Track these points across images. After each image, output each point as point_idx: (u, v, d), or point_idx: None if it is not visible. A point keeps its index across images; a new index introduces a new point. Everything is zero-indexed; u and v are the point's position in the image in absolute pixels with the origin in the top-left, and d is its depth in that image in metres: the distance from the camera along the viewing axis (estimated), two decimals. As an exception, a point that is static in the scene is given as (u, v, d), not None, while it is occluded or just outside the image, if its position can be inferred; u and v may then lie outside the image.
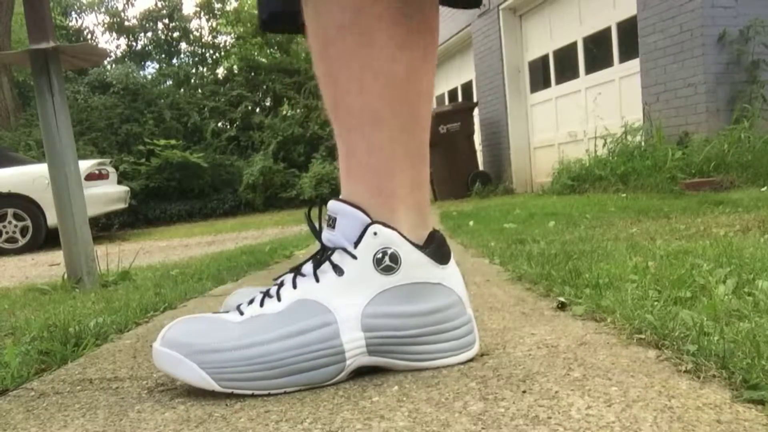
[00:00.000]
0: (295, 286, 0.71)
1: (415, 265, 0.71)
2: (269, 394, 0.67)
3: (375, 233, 0.69)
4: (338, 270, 0.70)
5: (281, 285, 0.73)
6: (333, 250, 0.71)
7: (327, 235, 0.73)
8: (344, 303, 0.69)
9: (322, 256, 0.72)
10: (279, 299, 0.71)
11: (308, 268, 0.72)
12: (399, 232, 0.70)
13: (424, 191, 0.76)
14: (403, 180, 0.72)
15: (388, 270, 0.70)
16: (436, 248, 0.73)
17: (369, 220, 0.70)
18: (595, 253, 1.50)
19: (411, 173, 0.73)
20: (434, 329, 0.71)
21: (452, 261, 0.75)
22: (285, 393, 0.67)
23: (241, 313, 0.72)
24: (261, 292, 0.74)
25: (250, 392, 0.67)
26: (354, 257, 0.70)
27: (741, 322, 0.74)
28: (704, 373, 0.62)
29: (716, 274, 1.05)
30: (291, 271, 0.74)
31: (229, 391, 0.67)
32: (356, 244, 0.70)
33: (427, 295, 0.71)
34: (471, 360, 0.74)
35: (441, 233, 0.76)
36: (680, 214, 2.58)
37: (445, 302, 0.72)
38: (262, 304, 0.72)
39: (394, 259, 0.69)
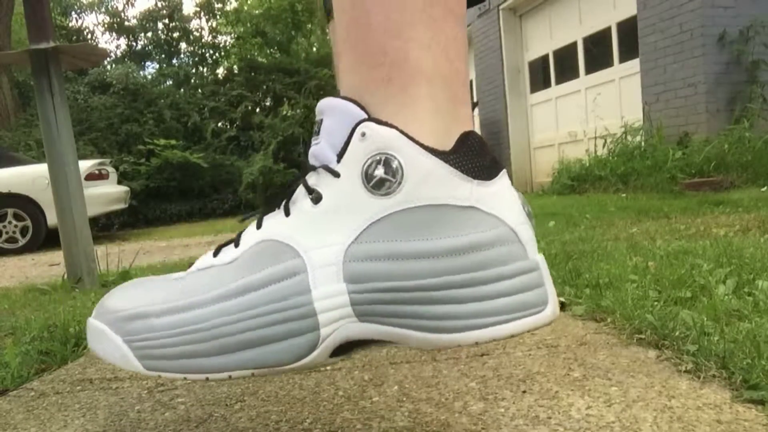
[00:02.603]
0: (259, 225, 0.50)
1: (430, 177, 0.45)
2: (208, 380, 0.48)
3: (363, 134, 0.45)
4: (315, 195, 0.47)
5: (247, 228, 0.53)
6: (311, 169, 0.49)
7: (312, 148, 0.50)
8: (320, 242, 0.46)
9: (297, 179, 0.50)
10: (237, 245, 0.51)
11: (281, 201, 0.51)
12: (400, 130, 0.45)
13: (455, 62, 0.47)
14: (420, 38, 0.46)
15: (383, 188, 0.45)
16: (468, 154, 0.46)
17: (361, 116, 0.46)
18: (595, 253, 1.50)
19: (434, 30, 0.46)
20: (462, 279, 0.45)
21: (502, 176, 0.47)
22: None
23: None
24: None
25: (181, 377, 0.48)
26: (336, 174, 0.46)
27: (741, 322, 0.74)
28: (704, 373, 0.62)
29: (716, 274, 1.05)
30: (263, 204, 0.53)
31: (156, 374, 0.49)
32: (340, 155, 0.47)
33: (454, 225, 0.45)
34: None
35: (480, 136, 0.48)
36: (680, 214, 2.58)
37: (481, 236, 0.45)
38: (216, 254, 0.52)
39: (392, 170, 0.45)
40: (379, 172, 0.45)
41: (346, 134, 0.47)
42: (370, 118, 0.46)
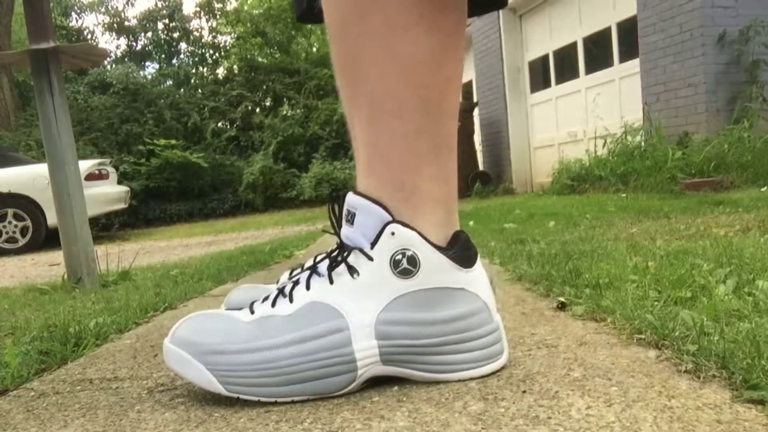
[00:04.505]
0: (308, 287, 0.67)
1: (436, 268, 0.65)
2: (276, 402, 0.64)
3: (393, 233, 0.64)
4: (353, 272, 0.66)
5: (296, 284, 0.69)
6: (350, 250, 0.67)
7: (345, 231, 0.68)
8: (358, 308, 0.65)
9: (339, 255, 0.67)
10: (291, 300, 0.67)
11: (323, 267, 0.68)
12: (419, 233, 0.65)
13: (451, 186, 0.70)
14: (428, 173, 0.67)
15: (405, 273, 0.65)
16: (460, 250, 0.67)
17: (388, 218, 0.65)
18: (595, 253, 1.50)
19: (437, 166, 0.68)
20: (455, 338, 0.66)
21: (478, 264, 0.69)
22: (293, 402, 0.65)
23: (252, 312, 0.68)
24: (277, 289, 0.70)
25: (256, 399, 0.64)
26: (370, 259, 0.65)
27: (741, 322, 0.74)
28: (704, 373, 0.62)
29: (716, 274, 1.05)
30: (308, 268, 0.70)
31: (235, 396, 0.64)
32: (373, 244, 0.65)
33: (448, 301, 0.66)
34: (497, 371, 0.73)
35: (466, 234, 0.70)
36: (680, 214, 2.58)
37: (468, 309, 0.67)
38: (273, 304, 0.68)
39: (413, 261, 0.64)
40: (404, 262, 0.65)
41: (377, 230, 0.65)
42: (395, 220, 0.65)
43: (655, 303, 0.88)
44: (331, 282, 0.66)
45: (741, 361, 0.61)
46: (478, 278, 0.68)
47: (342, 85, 0.69)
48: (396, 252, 0.64)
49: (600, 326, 0.85)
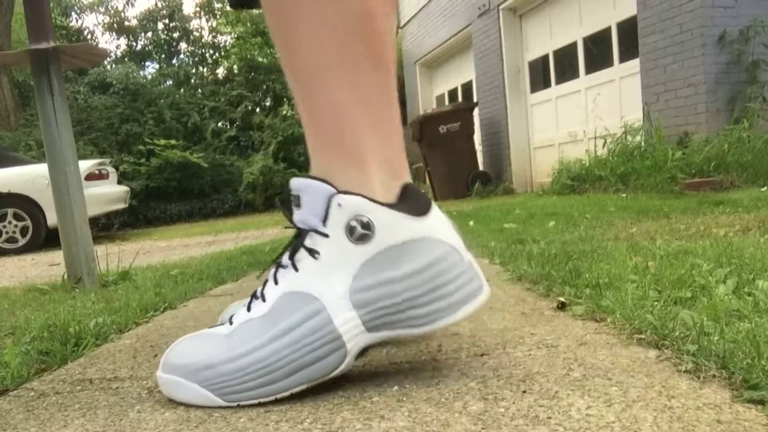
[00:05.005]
0: (276, 282, 0.68)
1: (392, 226, 0.65)
2: (276, 399, 0.64)
3: (339, 204, 0.64)
4: (314, 253, 0.66)
5: (265, 282, 0.70)
6: (305, 234, 0.67)
7: (297, 216, 0.68)
8: (329, 286, 0.65)
9: (296, 241, 0.68)
10: (264, 299, 0.68)
11: (286, 258, 0.68)
12: (364, 196, 0.64)
13: (396, 142, 0.70)
14: (368, 129, 0.67)
15: (363, 239, 0.64)
16: (410, 201, 0.67)
17: (332, 191, 0.65)
18: (595, 253, 1.50)
19: (377, 121, 0.67)
20: (429, 287, 0.65)
21: (433, 209, 0.68)
22: (291, 395, 0.65)
23: (231, 323, 0.69)
24: (251, 294, 0.71)
25: (256, 401, 0.64)
26: (326, 235, 0.65)
27: (741, 322, 0.74)
28: (704, 373, 0.62)
29: (716, 274, 1.05)
30: (273, 262, 0.71)
31: (235, 404, 0.64)
32: (325, 220, 0.65)
33: (413, 253, 0.65)
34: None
35: (414, 184, 0.70)
36: (680, 214, 2.58)
37: (434, 256, 0.66)
38: (249, 308, 0.68)
39: (367, 226, 0.64)
40: (358, 228, 0.64)
41: (324, 205, 0.65)
42: (339, 191, 0.64)
43: (655, 303, 0.88)
44: (296, 270, 0.66)
45: (741, 361, 0.61)
46: (436, 224, 0.67)
47: (283, 62, 0.69)
48: (348, 221, 0.64)
49: (600, 326, 0.85)
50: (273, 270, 0.69)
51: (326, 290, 0.65)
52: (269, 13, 0.68)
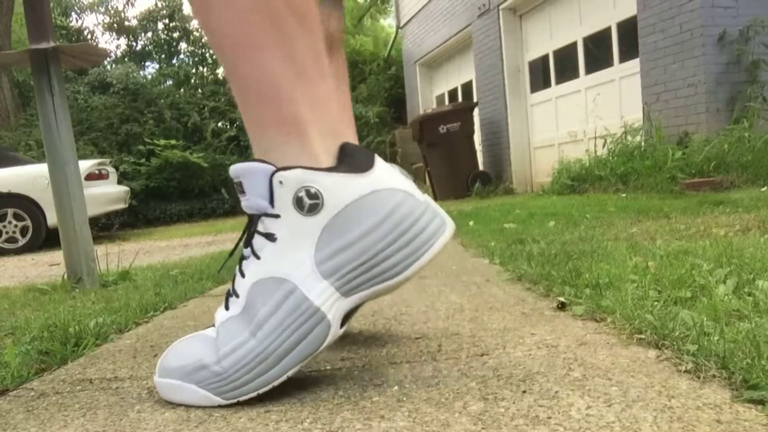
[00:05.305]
0: (243, 275, 0.68)
1: (337, 188, 0.64)
2: (273, 387, 0.65)
3: (281, 182, 0.64)
4: (270, 237, 0.65)
5: (233, 278, 0.70)
6: (256, 219, 0.66)
7: (244, 203, 0.67)
8: (294, 263, 0.65)
9: (251, 228, 0.68)
10: (237, 295, 0.68)
11: (247, 249, 0.68)
12: (303, 167, 0.64)
13: (332, 105, 0.69)
14: (301, 97, 0.65)
15: (314, 209, 0.64)
16: (350, 159, 0.66)
17: (271, 169, 0.64)
18: (595, 253, 1.50)
19: (309, 88, 0.66)
20: (391, 238, 0.65)
21: (377, 161, 0.67)
22: (291, 395, 0.65)
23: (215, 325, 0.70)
24: (226, 294, 0.71)
25: (255, 394, 0.65)
26: (276, 216, 0.65)
27: (741, 322, 0.74)
28: (704, 373, 0.62)
29: (716, 274, 1.05)
30: (230, 255, 0.71)
31: (234, 401, 0.65)
32: (271, 201, 0.65)
33: (365, 210, 0.65)
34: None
35: (351, 143, 0.69)
36: (680, 214, 2.58)
37: (388, 207, 0.65)
38: (227, 307, 0.69)
39: (314, 195, 0.64)
40: (305, 199, 0.64)
41: (267, 186, 0.64)
42: (278, 169, 0.64)
43: (655, 303, 0.88)
44: (258, 257, 0.66)
45: (741, 361, 0.61)
46: (383, 174, 0.67)
47: (210, 42, 0.68)
48: (294, 195, 0.64)
49: (600, 326, 0.85)
50: (238, 265, 0.69)
51: (293, 268, 0.64)
52: None
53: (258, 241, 0.66)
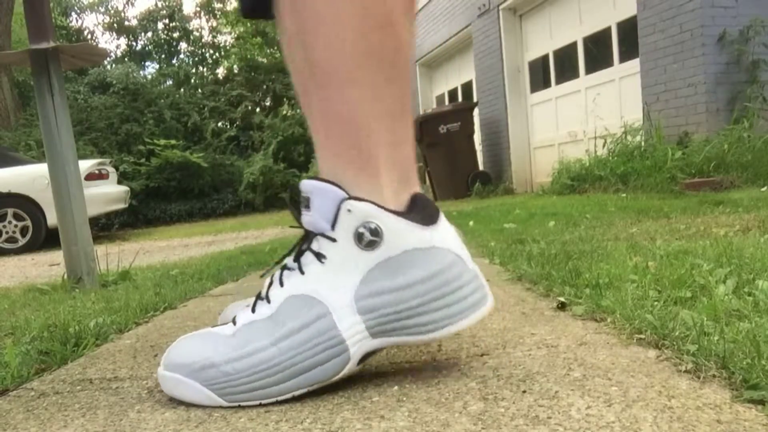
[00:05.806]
0: (282, 284, 0.68)
1: (400, 234, 0.65)
2: (277, 401, 0.64)
3: (349, 210, 0.64)
4: (320, 257, 0.66)
5: (270, 284, 0.69)
6: (312, 237, 0.67)
7: (305, 218, 0.68)
8: (334, 290, 0.65)
9: (303, 244, 0.68)
10: (269, 301, 0.68)
11: (291, 260, 0.68)
12: (375, 203, 0.64)
13: (408, 149, 0.70)
14: (383, 137, 0.66)
15: (371, 245, 0.64)
16: (419, 210, 0.68)
17: (343, 196, 0.64)
18: (595, 253, 1.50)
19: (392, 130, 0.67)
20: (435, 295, 0.65)
21: (441, 219, 0.69)
22: (292, 396, 0.65)
23: (235, 323, 0.69)
24: (256, 295, 0.70)
25: (257, 402, 0.64)
26: (333, 240, 0.65)
27: (741, 322, 0.74)
28: (704, 373, 0.62)
29: (716, 274, 1.05)
30: (277, 263, 0.70)
31: (236, 404, 0.64)
32: (333, 224, 0.65)
33: (420, 261, 0.65)
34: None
35: (423, 194, 0.70)
36: (680, 214, 2.58)
37: (440, 265, 0.66)
38: (254, 310, 0.68)
39: (376, 233, 0.64)
40: (367, 235, 0.64)
41: (334, 210, 0.65)
42: (350, 197, 0.64)
43: (655, 303, 0.88)
44: (302, 273, 0.67)
45: (741, 361, 0.61)
46: (444, 233, 0.68)
47: (295, 59, 0.68)
48: (357, 227, 0.64)
49: (600, 326, 0.85)
50: (278, 273, 0.69)
51: (332, 295, 0.65)
52: (287, 16, 0.66)
53: (307, 257, 0.67)
